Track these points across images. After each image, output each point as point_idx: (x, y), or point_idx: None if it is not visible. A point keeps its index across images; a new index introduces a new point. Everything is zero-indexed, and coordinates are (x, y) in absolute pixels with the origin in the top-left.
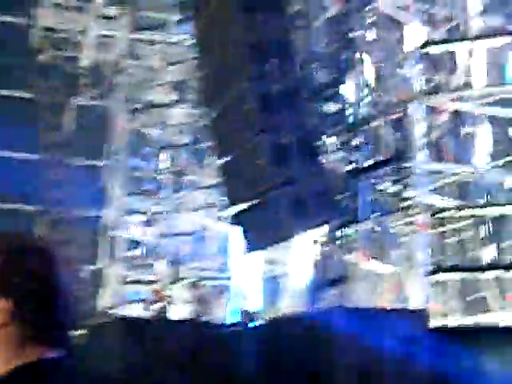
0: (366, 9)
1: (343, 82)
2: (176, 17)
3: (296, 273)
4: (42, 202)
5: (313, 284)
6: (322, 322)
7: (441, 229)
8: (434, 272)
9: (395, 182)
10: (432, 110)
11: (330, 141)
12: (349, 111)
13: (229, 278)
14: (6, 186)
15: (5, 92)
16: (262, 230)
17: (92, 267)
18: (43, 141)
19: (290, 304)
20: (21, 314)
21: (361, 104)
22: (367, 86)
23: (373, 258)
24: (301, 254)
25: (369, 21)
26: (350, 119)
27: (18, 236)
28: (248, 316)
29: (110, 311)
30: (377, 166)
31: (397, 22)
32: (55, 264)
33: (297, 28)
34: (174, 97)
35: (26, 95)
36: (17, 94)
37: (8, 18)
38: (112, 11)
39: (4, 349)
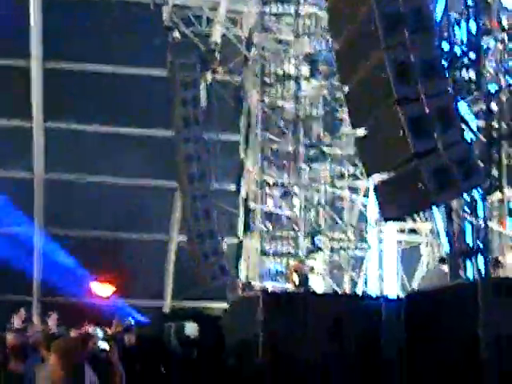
0: None
1: (482, 48)
2: None
3: (435, 242)
4: (181, 178)
5: (453, 254)
6: (466, 293)
7: None
8: None
9: None
10: None
11: (470, 108)
12: (488, 77)
13: (367, 249)
14: (145, 163)
15: (138, 70)
16: (401, 199)
17: (231, 240)
18: (179, 117)
19: (428, 274)
20: None
21: (500, 69)
22: (506, 50)
23: None
24: (441, 223)
25: None
26: (490, 85)
27: None
28: None
29: (251, 283)
30: None
31: None
32: None
33: None
34: (306, 69)
35: (160, 73)
36: (151, 71)
37: None
38: None
39: None
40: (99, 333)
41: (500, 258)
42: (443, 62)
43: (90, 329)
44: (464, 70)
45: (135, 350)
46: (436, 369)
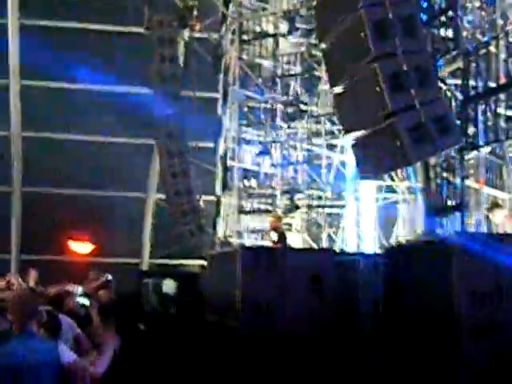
0: None
1: (459, 6)
2: None
3: (413, 199)
4: (158, 135)
5: (431, 210)
6: (442, 247)
7: None
8: None
9: None
10: None
11: (447, 66)
12: (465, 36)
13: (344, 206)
14: (123, 121)
15: (118, 28)
16: (378, 157)
17: (209, 198)
18: (157, 74)
19: (407, 231)
20: None
21: (477, 28)
22: (483, 9)
23: (490, 183)
24: (418, 180)
25: None
26: (467, 44)
27: None
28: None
29: (228, 240)
30: (495, 90)
31: None
32: None
33: None
34: (285, 26)
35: (139, 30)
36: (130, 29)
37: None
38: None
39: None
40: (78, 289)
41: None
42: (422, 20)
43: (69, 286)
44: (442, 28)
45: (111, 307)
46: (412, 323)
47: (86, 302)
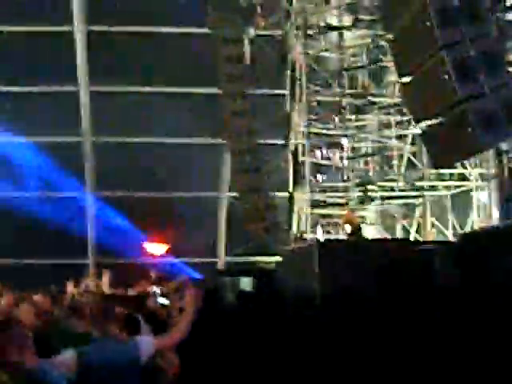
0: None
1: None
2: None
3: (488, 186)
4: (228, 134)
5: (505, 196)
6: None
7: None
8: None
9: None
10: None
11: None
12: None
13: (417, 197)
14: (191, 122)
15: (180, 30)
16: (450, 145)
17: (282, 194)
18: (223, 73)
19: (482, 218)
20: None
21: None
22: None
23: None
24: (491, 167)
25: None
26: None
27: None
28: None
29: (303, 236)
30: None
31: None
32: None
33: None
34: (349, 19)
35: (202, 31)
36: (192, 30)
37: None
38: None
39: None
40: (157, 290)
41: None
42: (488, 4)
43: (149, 287)
44: (510, 12)
45: None
46: (491, 310)
47: (166, 302)
